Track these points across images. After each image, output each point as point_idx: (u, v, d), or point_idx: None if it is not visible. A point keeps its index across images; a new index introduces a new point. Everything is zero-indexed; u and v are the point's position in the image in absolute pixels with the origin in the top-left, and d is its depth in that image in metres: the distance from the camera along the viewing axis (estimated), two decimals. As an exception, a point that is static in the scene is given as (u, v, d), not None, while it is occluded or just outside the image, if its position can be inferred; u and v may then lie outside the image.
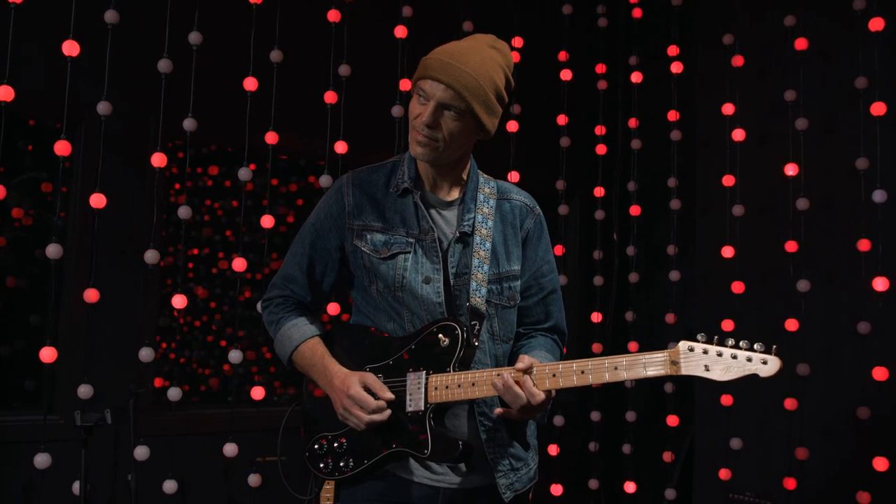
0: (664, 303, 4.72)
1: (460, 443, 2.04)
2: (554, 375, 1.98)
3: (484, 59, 2.08)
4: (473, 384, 2.03)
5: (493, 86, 2.08)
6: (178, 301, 3.52)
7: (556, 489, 4.59)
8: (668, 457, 4.57)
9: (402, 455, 2.10)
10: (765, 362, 1.82)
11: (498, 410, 2.06)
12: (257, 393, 3.75)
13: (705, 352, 1.86)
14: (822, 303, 4.15)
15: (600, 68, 4.88)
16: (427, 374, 2.08)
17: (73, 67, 3.28)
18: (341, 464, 2.15)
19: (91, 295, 3.38)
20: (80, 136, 3.86)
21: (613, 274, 5.19)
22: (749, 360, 1.83)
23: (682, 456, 5.07)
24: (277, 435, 2.40)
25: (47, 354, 3.14)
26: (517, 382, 1.98)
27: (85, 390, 3.34)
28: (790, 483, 4.02)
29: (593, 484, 4.72)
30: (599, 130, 4.86)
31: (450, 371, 2.06)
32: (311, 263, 2.25)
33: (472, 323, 2.11)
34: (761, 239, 4.39)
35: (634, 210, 4.77)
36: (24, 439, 3.42)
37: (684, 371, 1.87)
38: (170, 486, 3.52)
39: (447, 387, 2.05)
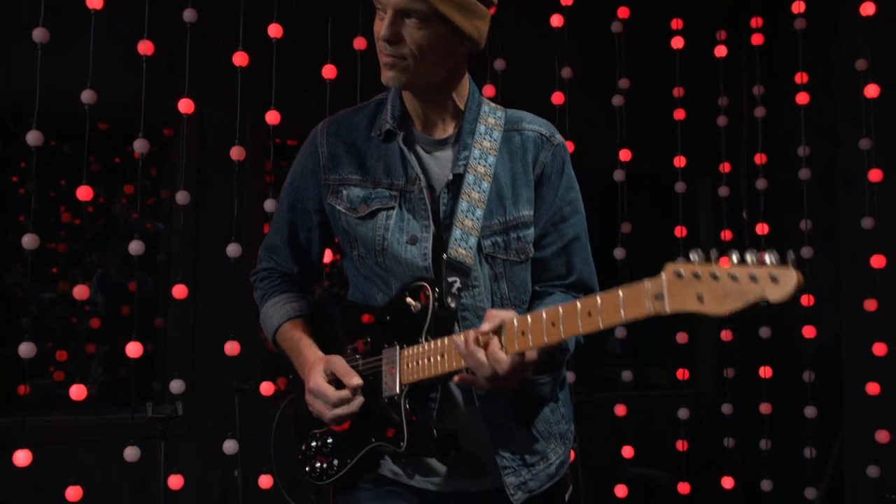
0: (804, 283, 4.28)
1: (434, 430, 1.66)
2: (523, 333, 1.52)
3: None
4: (442, 355, 1.63)
5: None
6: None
7: (684, 488, 4.25)
8: (808, 453, 4.11)
9: (383, 451, 1.75)
10: (774, 279, 1.25)
11: (456, 379, 1.63)
12: (266, 388, 3.58)
13: (696, 276, 1.30)
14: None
15: (721, 35, 4.49)
16: (399, 349, 1.72)
17: (154, 69, 3.35)
18: (326, 465, 1.82)
19: (179, 291, 3.43)
20: (180, 137, 3.96)
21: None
22: (753, 278, 1.26)
23: (833, 453, 4.58)
24: None
25: (133, 349, 3.20)
26: (480, 345, 1.56)
27: (177, 385, 3.40)
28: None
29: (727, 482, 4.34)
30: (723, 101, 4.48)
31: (421, 342, 1.68)
32: (293, 230, 1.94)
33: (451, 280, 1.71)
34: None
35: (761, 184, 4.34)
36: (142, 436, 3.47)
37: (670, 306, 1.33)
38: (265, 480, 3.52)
39: (418, 362, 1.68)
